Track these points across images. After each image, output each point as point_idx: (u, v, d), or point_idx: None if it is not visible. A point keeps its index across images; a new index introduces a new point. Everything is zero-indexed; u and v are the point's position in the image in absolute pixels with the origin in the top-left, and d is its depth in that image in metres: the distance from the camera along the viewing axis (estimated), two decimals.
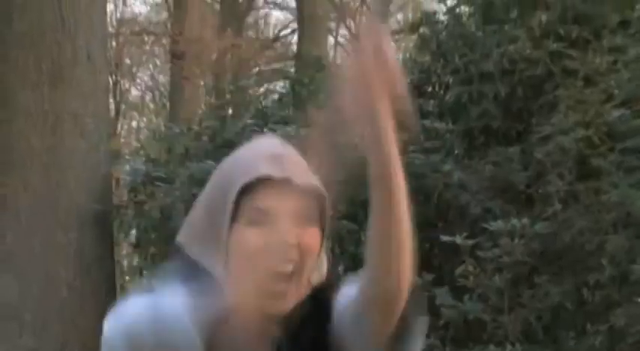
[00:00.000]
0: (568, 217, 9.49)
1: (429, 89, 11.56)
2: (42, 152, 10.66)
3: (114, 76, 33.11)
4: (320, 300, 1.90)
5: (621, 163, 9.41)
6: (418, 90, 11.21)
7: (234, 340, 1.77)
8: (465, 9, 12.47)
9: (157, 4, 38.30)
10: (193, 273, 1.83)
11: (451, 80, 11.28)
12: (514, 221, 9.37)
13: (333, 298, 1.93)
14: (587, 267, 9.31)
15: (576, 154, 9.66)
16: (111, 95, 30.45)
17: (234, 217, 1.80)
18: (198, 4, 29.29)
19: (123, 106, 38.91)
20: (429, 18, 13.21)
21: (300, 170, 1.82)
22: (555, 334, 9.54)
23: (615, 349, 9.08)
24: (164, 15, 35.46)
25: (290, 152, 1.86)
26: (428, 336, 9.61)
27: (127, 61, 37.49)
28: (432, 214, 10.15)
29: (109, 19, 16.83)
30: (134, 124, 40.78)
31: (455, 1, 12.58)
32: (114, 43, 29.11)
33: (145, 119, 38.68)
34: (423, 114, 10.57)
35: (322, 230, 1.87)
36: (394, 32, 31.62)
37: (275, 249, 1.75)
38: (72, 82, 10.59)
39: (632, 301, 8.93)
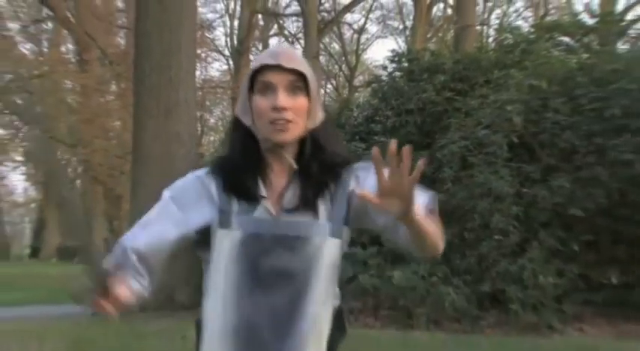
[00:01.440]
0: (455, 191, 10.04)
1: (378, 118, 12.10)
2: (158, 155, 11.05)
3: (200, 112, 32.80)
4: (316, 138, 1.89)
5: (485, 160, 10.02)
6: (372, 119, 11.81)
7: (268, 162, 1.91)
8: (397, 73, 13.11)
9: (223, 71, 38.74)
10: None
11: (390, 114, 11.88)
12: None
13: (325, 135, 1.93)
14: (466, 219, 9.85)
15: (460, 155, 10.30)
16: (198, 122, 30.42)
17: (252, 90, 1.86)
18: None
19: (205, 128, 39.79)
20: (377, 78, 14.06)
21: (289, 59, 1.81)
22: (447, 257, 9.72)
23: (481, 265, 9.60)
24: (228, 77, 35.51)
25: (286, 50, 1.86)
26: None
27: (207, 102, 37.55)
28: None
29: (197, 78, 16.12)
30: (212, 138, 40.55)
31: (391, 69, 13.26)
32: (200, 92, 28.25)
33: (218, 136, 38.62)
34: (375, 133, 11.28)
35: (309, 96, 1.85)
36: (357, 87, 31.83)
37: (274, 109, 1.78)
38: (176, 114, 11.02)
39: (492, 238, 9.57)
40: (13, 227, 54.45)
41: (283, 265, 1.83)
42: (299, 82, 1.84)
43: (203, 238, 1.90)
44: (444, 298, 8.85)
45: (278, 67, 1.82)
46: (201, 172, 1.96)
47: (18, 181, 51.06)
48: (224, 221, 1.86)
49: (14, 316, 11.22)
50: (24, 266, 32.35)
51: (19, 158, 40.96)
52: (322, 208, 1.88)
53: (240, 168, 1.89)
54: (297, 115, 1.83)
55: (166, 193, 1.96)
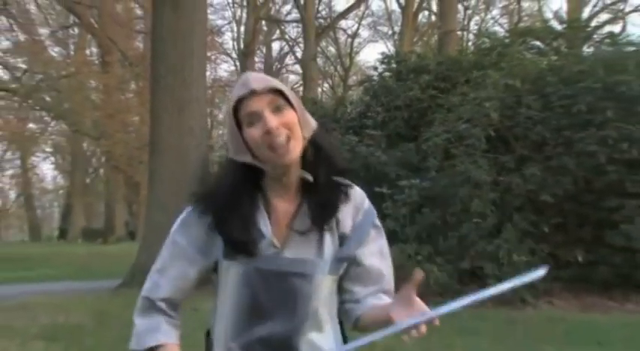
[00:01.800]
0: (438, 179, 10.04)
1: (369, 114, 12.02)
2: (173, 146, 11.03)
3: (209, 108, 33.03)
4: (318, 143, 1.72)
5: (466, 151, 9.94)
6: (364, 114, 11.78)
7: (275, 188, 1.73)
8: (386, 73, 13.07)
9: (231, 71, 38.87)
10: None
11: (380, 110, 11.82)
12: (412, 181, 9.94)
13: (326, 142, 1.76)
14: (448, 204, 9.83)
15: (443, 147, 10.28)
16: (208, 117, 30.34)
17: (240, 126, 1.66)
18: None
19: (214, 123, 40.24)
20: (368, 78, 14.03)
21: (259, 82, 1.64)
22: (431, 238, 9.84)
23: (461, 245, 9.56)
24: (235, 77, 35.28)
25: (253, 75, 1.68)
26: None
27: (216, 99, 38.07)
28: (371, 177, 10.28)
29: (207, 78, 15.50)
30: (220, 132, 40.48)
31: (381, 70, 13.24)
32: (210, 91, 28.03)
33: (226, 129, 38.77)
34: (367, 127, 11.21)
35: (294, 108, 1.66)
36: (351, 86, 31.90)
37: (267, 133, 1.60)
38: (188, 111, 11.01)
39: (471, 221, 9.50)
40: (43, 211, 54.50)
41: (284, 298, 1.69)
42: (279, 100, 1.65)
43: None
44: (428, 275, 8.78)
45: (253, 94, 1.64)
46: (198, 210, 1.74)
47: (47, 170, 51.16)
48: (228, 253, 1.70)
49: (44, 290, 11.27)
50: (53, 246, 32.34)
51: (49, 149, 41.26)
52: (328, 241, 1.71)
53: (235, 218, 1.69)
54: (292, 131, 1.64)
55: (174, 235, 1.78)
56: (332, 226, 1.72)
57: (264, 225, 1.70)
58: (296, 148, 1.64)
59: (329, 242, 1.71)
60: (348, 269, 1.77)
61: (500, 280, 8.91)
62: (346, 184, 1.77)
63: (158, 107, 10.53)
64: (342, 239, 1.73)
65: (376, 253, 1.78)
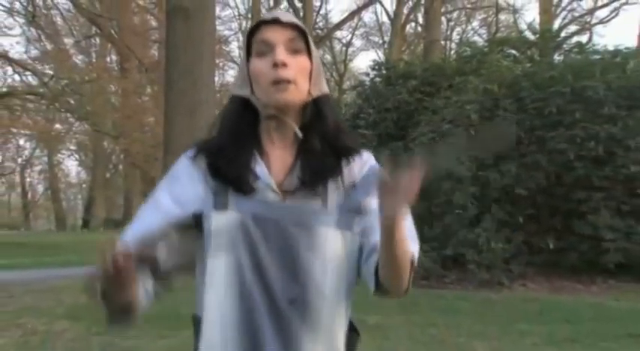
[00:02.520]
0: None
1: (362, 115, 11.90)
2: (185, 145, 10.01)
3: (218, 109, 31.89)
4: (320, 107, 1.40)
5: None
6: (357, 116, 11.68)
7: (270, 136, 1.40)
8: (377, 79, 13.00)
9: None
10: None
11: (371, 111, 11.76)
12: None
13: (328, 107, 1.43)
14: (433, 196, 9.72)
15: (428, 145, 9.96)
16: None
17: (250, 53, 1.38)
18: None
19: None
20: (361, 83, 13.98)
21: (286, 16, 1.37)
22: (418, 227, 9.68)
23: (445, 233, 9.54)
24: None
25: (281, 12, 1.39)
26: None
27: (224, 102, 37.10)
28: None
29: (216, 83, 15.39)
30: None
31: (373, 75, 13.18)
32: (218, 94, 28.03)
33: None
34: (359, 127, 11.12)
35: (310, 57, 1.38)
36: (345, 90, 31.81)
37: (274, 65, 1.31)
38: (199, 112, 10.82)
39: (454, 212, 9.57)
40: (68, 203, 54.41)
41: (286, 253, 1.33)
42: (299, 42, 1.36)
43: (196, 224, 1.39)
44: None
45: (275, 22, 1.35)
46: (192, 153, 1.43)
47: (72, 166, 50.97)
48: (219, 203, 1.35)
49: (69, 274, 11.15)
50: (77, 235, 32.29)
51: (73, 147, 41.19)
52: (333, 193, 1.37)
53: (229, 153, 1.37)
54: (298, 76, 1.34)
55: (160, 184, 1.46)
56: (338, 180, 1.39)
57: (259, 165, 1.37)
58: (295, 93, 1.35)
59: (333, 192, 1.38)
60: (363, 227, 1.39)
61: (479, 265, 8.97)
62: (345, 140, 1.43)
63: (171, 109, 10.41)
64: (349, 190, 1.39)
65: None
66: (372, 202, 1.33)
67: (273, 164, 1.38)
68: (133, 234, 1.35)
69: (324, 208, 1.36)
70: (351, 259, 1.38)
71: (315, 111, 1.40)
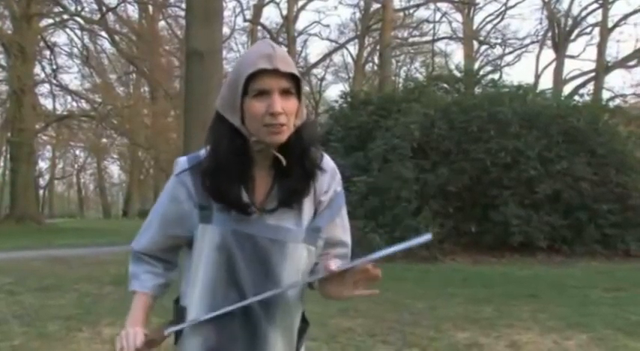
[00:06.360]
0: (379, 176, 9.75)
1: (333, 132, 11.39)
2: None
3: None
4: (301, 134, 1.18)
5: (397, 157, 9.71)
6: (329, 133, 11.25)
7: (253, 158, 1.18)
8: (344, 105, 12.73)
9: None
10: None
11: (339, 129, 11.40)
12: (362, 177, 9.72)
13: (310, 133, 1.22)
14: (386, 193, 9.58)
15: (382, 155, 9.95)
16: None
17: (244, 93, 1.13)
18: None
19: None
20: (332, 108, 13.74)
21: (284, 63, 1.13)
22: (374, 216, 9.47)
23: (395, 221, 9.31)
24: None
25: (279, 51, 1.14)
26: None
27: None
28: None
29: None
30: None
31: (341, 102, 12.96)
32: None
33: None
34: (331, 141, 10.80)
35: (299, 99, 1.16)
36: (319, 114, 31.69)
37: (270, 114, 1.11)
38: None
39: (401, 205, 9.38)
40: (112, 198, 54.26)
41: (258, 265, 1.20)
42: (292, 88, 1.16)
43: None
44: (372, 241, 8.69)
45: (274, 72, 1.13)
46: (180, 172, 1.23)
47: (115, 170, 51.02)
48: (204, 217, 1.21)
49: (113, 251, 11.16)
50: (119, 222, 31.92)
51: (115, 156, 41.13)
52: (307, 209, 1.24)
53: (225, 174, 1.18)
54: (289, 118, 1.16)
55: (162, 194, 1.28)
56: (311, 195, 1.24)
57: (244, 187, 1.20)
58: (286, 133, 1.16)
59: (307, 210, 1.23)
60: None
61: (420, 245, 9.27)
62: (319, 165, 1.24)
63: (189, 128, 9.97)
64: (318, 206, 1.25)
65: (339, 226, 1.30)
66: (330, 230, 1.27)
67: (257, 185, 1.21)
68: (145, 241, 1.32)
69: (299, 224, 1.22)
70: (310, 267, 1.26)
71: (295, 136, 1.19)
